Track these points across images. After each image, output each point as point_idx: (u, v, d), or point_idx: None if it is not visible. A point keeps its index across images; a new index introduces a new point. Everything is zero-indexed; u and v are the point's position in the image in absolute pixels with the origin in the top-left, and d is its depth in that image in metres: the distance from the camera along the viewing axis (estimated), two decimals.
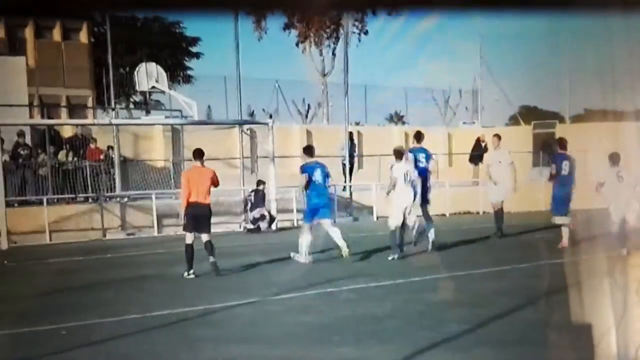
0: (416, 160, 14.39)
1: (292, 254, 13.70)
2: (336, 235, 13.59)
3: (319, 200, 13.66)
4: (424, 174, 14.39)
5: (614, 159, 13.90)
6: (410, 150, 14.91)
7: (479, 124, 35.87)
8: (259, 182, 20.79)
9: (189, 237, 12.15)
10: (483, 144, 26.94)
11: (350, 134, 26.54)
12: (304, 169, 13.81)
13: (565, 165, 14.87)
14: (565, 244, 14.58)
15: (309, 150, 14.36)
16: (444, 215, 22.85)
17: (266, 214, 20.23)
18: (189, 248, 12.13)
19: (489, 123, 35.68)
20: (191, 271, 12.04)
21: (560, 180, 14.88)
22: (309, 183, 13.57)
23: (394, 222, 13.76)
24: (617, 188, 13.68)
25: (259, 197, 20.39)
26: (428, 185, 14.60)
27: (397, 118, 48.56)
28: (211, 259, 12.12)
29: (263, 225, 20.11)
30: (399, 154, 14.05)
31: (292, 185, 20.65)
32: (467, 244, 15.99)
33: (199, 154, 12.43)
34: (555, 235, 14.90)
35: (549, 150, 28.40)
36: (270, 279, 12.06)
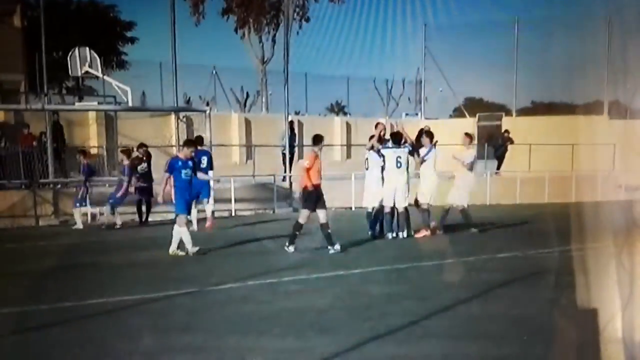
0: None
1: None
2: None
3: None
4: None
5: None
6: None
7: (422, 115, 35.86)
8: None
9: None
10: None
11: (291, 123, 25.86)
12: None
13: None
14: None
15: None
16: None
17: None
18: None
19: (433, 115, 35.65)
20: None
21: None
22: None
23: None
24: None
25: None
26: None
27: (338, 108, 48.54)
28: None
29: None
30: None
31: (231, 175, 20.61)
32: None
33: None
34: None
35: (494, 142, 28.84)
36: None
